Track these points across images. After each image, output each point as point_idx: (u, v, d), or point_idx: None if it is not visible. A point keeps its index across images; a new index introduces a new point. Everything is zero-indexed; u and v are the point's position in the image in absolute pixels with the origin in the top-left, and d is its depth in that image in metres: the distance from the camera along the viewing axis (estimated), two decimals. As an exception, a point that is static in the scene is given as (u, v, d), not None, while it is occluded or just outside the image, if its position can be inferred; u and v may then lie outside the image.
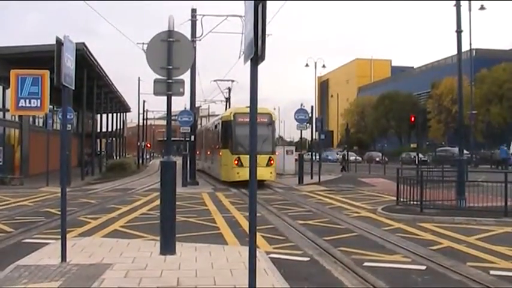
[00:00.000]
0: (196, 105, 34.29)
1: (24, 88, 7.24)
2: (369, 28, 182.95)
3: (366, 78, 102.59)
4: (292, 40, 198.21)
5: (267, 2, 4.42)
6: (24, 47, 25.71)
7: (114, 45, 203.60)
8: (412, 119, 24.69)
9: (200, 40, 25.91)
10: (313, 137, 31.42)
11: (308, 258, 7.92)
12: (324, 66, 49.71)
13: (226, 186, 22.82)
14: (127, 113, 61.67)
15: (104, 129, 46.09)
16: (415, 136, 34.19)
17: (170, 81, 7.58)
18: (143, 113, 58.38)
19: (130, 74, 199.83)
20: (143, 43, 30.34)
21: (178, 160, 12.00)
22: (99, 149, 44.39)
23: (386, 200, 16.38)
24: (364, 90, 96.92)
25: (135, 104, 54.44)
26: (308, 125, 26.73)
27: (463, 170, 14.53)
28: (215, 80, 41.29)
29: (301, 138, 30.43)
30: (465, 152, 18.08)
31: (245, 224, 10.58)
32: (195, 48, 22.10)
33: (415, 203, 13.26)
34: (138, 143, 57.51)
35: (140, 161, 55.12)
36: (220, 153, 25.08)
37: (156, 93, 7.78)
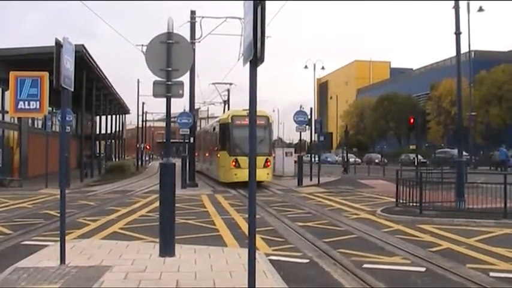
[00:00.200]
0: (196, 107, 34.29)
1: (24, 90, 7.24)
2: (368, 30, 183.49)
3: (365, 79, 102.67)
4: (291, 42, 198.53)
5: (266, 3, 4.43)
6: (23, 48, 25.74)
7: (114, 47, 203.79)
8: (411, 120, 24.75)
9: (199, 42, 25.94)
10: (313, 138, 31.45)
11: (307, 260, 7.92)
12: (323, 68, 49.82)
13: (226, 188, 22.93)
14: (126, 115, 61.82)
15: (103, 131, 46.08)
16: (414, 138, 34.27)
17: (169, 83, 7.58)
18: (142, 115, 58.42)
19: (129, 76, 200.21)
20: (142, 45, 30.40)
21: (178, 162, 12.00)
22: (98, 151, 44.40)
23: (385, 201, 16.38)
24: (363, 92, 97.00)
25: (134, 106, 54.33)
26: (307, 126, 26.78)
27: (463, 171, 14.52)
28: (213, 83, 41.50)
29: (300, 140, 30.52)
30: (464, 153, 18.06)
31: (244, 226, 10.58)
32: (194, 50, 22.11)
33: (414, 204, 13.25)
34: (138, 145, 57.49)
35: (139, 163, 55.11)
36: (219, 155, 25.70)
37: (155, 95, 7.78)
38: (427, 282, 6.72)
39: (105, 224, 11.76)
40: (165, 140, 8.48)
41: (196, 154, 28.23)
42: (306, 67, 48.26)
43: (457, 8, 14.94)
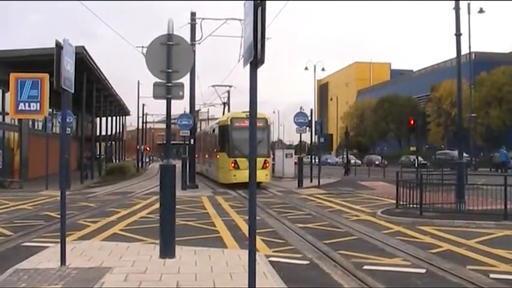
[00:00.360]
0: (196, 109, 34.31)
1: (24, 91, 7.24)
2: (368, 31, 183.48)
3: (366, 81, 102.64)
4: (291, 43, 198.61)
5: (267, 5, 4.43)
6: (23, 50, 25.75)
7: (114, 49, 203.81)
8: (412, 122, 24.72)
9: (200, 43, 25.98)
10: (313, 140, 31.45)
11: (308, 262, 7.92)
12: (323, 69, 49.81)
13: (226, 189, 23.00)
14: (126, 117, 61.74)
15: (104, 133, 46.09)
16: (415, 139, 34.22)
17: (170, 84, 7.58)
18: (143, 117, 58.48)
19: (129, 78, 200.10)
20: (143, 46, 30.32)
21: (178, 163, 12.01)
22: (98, 153, 44.40)
23: (385, 203, 16.36)
24: (363, 94, 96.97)
25: (134, 108, 54.37)
26: (307, 128, 26.81)
27: (463, 173, 14.51)
28: (213, 86, 41.71)
29: (300, 141, 30.46)
30: (465, 155, 18.07)
31: (245, 228, 10.58)
32: (194, 51, 22.13)
33: (414, 206, 13.25)
34: (138, 147, 57.48)
35: (140, 165, 55.10)
36: (218, 157, 26.14)
37: (155, 96, 7.78)
38: (427, 284, 6.71)
39: (105, 226, 11.76)
40: (165, 142, 8.48)
41: (196, 156, 28.35)
42: (306, 68, 48.35)
43: (457, 10, 14.96)
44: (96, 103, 37.13)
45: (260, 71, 4.57)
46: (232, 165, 24.09)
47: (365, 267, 7.46)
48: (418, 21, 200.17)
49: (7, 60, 24.65)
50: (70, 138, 28.43)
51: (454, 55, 15.09)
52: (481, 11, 37.63)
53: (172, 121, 9.34)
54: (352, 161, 47.42)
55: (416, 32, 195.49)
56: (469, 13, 36.20)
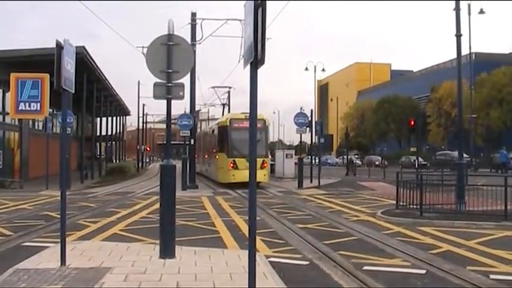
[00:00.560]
0: (196, 109, 34.34)
1: (24, 91, 7.24)
2: (369, 32, 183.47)
3: (366, 82, 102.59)
4: (292, 43, 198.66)
5: (267, 5, 4.43)
6: (24, 50, 25.76)
7: (114, 49, 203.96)
8: (412, 122, 24.70)
9: (200, 44, 26.01)
10: (313, 140, 31.45)
11: (308, 262, 7.91)
12: (323, 69, 49.82)
13: (226, 190, 23.08)
14: (127, 117, 61.81)
15: (104, 133, 46.10)
16: (415, 140, 34.19)
17: (170, 84, 7.58)
18: (143, 117, 58.48)
19: (130, 78, 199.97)
20: (143, 46, 30.36)
21: (178, 164, 12.01)
22: (98, 153, 44.41)
23: (386, 203, 16.36)
24: (363, 94, 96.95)
25: (134, 108, 54.41)
26: (308, 128, 26.84)
27: (463, 173, 14.52)
28: (213, 87, 41.98)
29: (300, 141, 30.47)
30: (465, 155, 18.06)
31: (245, 228, 10.58)
32: (194, 51, 22.15)
33: (414, 206, 13.24)
34: (138, 147, 57.51)
35: (140, 165, 55.14)
36: (217, 157, 26.71)
37: (155, 96, 7.77)
38: (428, 284, 6.71)
39: (105, 226, 11.75)
40: (165, 142, 8.48)
41: (195, 156, 28.48)
42: (306, 69, 48.37)
43: (457, 10, 14.97)
44: (96, 103, 37.14)
45: (260, 71, 4.57)
46: (231, 165, 24.63)
47: (365, 267, 7.46)
48: (419, 22, 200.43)
49: (7, 60, 24.66)
50: (70, 138, 28.46)
51: (455, 56, 15.10)
52: (481, 11, 37.61)
53: (172, 121, 9.34)
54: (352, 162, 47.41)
55: (417, 33, 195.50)
56: (469, 14, 36.17)
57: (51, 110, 26.31)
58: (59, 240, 7.17)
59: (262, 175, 23.83)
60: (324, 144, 33.12)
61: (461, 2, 15.15)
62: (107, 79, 35.97)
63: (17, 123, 29.15)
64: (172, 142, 9.08)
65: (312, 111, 29.32)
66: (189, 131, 24.66)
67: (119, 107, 50.70)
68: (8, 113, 25.01)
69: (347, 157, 42.57)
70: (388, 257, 8.37)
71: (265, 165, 25.31)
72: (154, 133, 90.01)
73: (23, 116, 7.91)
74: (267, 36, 4.45)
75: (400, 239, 9.96)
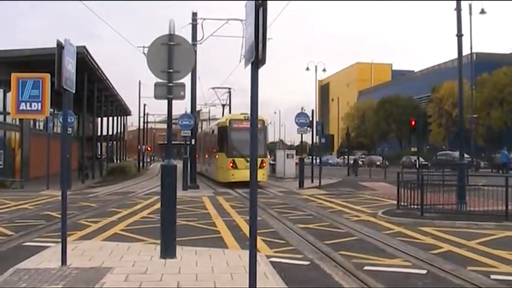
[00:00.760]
0: (197, 109, 34.36)
1: (25, 91, 7.24)
2: (370, 32, 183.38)
3: (367, 82, 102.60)
4: (293, 43, 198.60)
5: (268, 5, 4.43)
6: (24, 50, 25.77)
7: (115, 49, 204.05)
8: (413, 122, 24.68)
9: (201, 44, 26.01)
10: (314, 140, 31.44)
11: (308, 262, 7.91)
12: (324, 70, 49.73)
13: (227, 190, 23.15)
14: (128, 117, 61.83)
15: (105, 133, 46.13)
16: (416, 140, 34.18)
17: (171, 84, 7.58)
18: (144, 117, 58.50)
19: (131, 78, 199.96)
20: (144, 46, 30.47)
21: (179, 164, 12.01)
22: (99, 153, 44.43)
23: (386, 203, 16.35)
24: (364, 94, 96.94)
25: (135, 108, 54.75)
26: (309, 128, 26.83)
27: (464, 174, 14.50)
28: (213, 88, 42.16)
29: (301, 142, 30.49)
30: (466, 156, 18.04)
31: (245, 228, 10.59)
32: (195, 51, 22.15)
33: (415, 207, 13.23)
34: (139, 147, 57.55)
35: (141, 165, 55.15)
36: (217, 157, 27.17)
37: (156, 96, 7.77)
38: (428, 285, 6.70)
39: (106, 226, 11.75)
40: (166, 142, 8.48)
41: (196, 156, 28.59)
42: (307, 69, 48.25)
43: (458, 10, 14.94)
44: (97, 103, 37.15)
45: (261, 71, 4.57)
46: (231, 164, 25.09)
47: (366, 267, 7.46)
48: (420, 22, 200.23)
49: (8, 60, 24.66)
50: (71, 138, 28.49)
51: (456, 56, 15.08)
52: (482, 11, 37.57)
53: (173, 121, 9.35)
54: (352, 161, 47.37)
55: (418, 33, 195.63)
56: (470, 14, 36.10)
57: (52, 110, 26.31)
58: (60, 240, 7.17)
59: (261, 174, 23.98)
60: (324, 144, 33.12)
61: (462, 2, 15.11)
62: (107, 79, 35.98)
63: (18, 123, 29.17)
64: (173, 142, 9.08)
65: (312, 111, 29.30)
66: (190, 131, 24.73)
67: (119, 107, 50.72)
68: (9, 113, 25.00)
69: (348, 157, 42.52)
70: (389, 257, 8.36)
71: (264, 164, 25.70)
72: (155, 133, 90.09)
73: (24, 116, 7.92)
74: (268, 36, 4.45)
75: (400, 239, 9.95)
